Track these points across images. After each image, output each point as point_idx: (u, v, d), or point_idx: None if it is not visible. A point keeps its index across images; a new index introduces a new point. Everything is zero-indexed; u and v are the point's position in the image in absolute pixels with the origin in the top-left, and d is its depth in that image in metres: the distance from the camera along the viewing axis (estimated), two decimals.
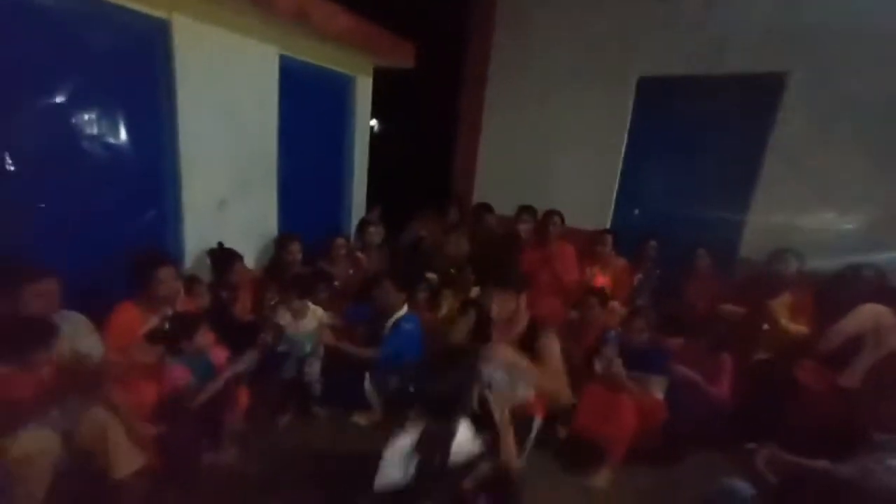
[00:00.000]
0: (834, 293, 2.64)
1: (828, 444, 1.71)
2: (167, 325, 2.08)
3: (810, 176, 3.12)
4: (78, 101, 2.16)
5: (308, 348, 2.51)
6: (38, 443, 1.59)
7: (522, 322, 1.96)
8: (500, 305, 1.89)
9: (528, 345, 1.90)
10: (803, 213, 3.14)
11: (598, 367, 2.49)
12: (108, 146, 2.32)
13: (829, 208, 3.09)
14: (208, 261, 2.78)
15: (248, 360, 2.25)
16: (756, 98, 3.33)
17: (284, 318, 2.50)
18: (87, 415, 1.76)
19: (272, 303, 2.73)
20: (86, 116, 2.20)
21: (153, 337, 2.05)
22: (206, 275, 2.73)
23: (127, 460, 1.77)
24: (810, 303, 2.72)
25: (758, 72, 3.27)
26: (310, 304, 2.56)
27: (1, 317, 1.69)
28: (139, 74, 2.39)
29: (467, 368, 1.54)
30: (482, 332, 2.03)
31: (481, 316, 2.07)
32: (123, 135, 2.36)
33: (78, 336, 1.91)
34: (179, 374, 2.03)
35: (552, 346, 1.87)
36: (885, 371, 1.64)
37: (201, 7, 2.50)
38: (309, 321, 2.53)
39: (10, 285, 1.75)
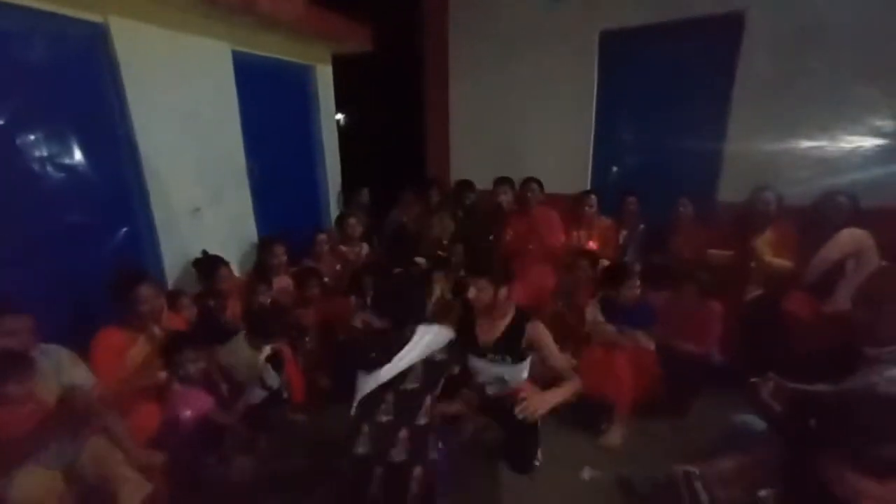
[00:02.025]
0: (813, 223, 2.70)
1: (826, 368, 1.77)
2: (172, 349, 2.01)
3: (778, 109, 3.15)
4: (21, 122, 2.01)
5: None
6: (39, 482, 1.53)
7: (506, 312, 1.97)
8: (476, 292, 1.89)
9: (515, 335, 1.93)
10: (776, 146, 3.18)
11: (587, 322, 2.55)
12: (63, 166, 2.18)
13: (799, 138, 3.13)
14: (194, 271, 2.68)
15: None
16: (718, 39, 3.33)
17: (241, 348, 2.28)
18: (88, 447, 1.70)
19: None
20: (31, 137, 2.06)
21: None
22: (189, 288, 2.64)
23: (133, 489, 1.72)
24: (793, 236, 2.78)
25: (716, 12, 3.26)
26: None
27: None
28: (84, 85, 2.24)
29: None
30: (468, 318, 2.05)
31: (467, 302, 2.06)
32: (77, 152, 2.23)
33: (63, 369, 1.83)
34: (202, 399, 2.00)
35: (542, 332, 1.93)
36: (871, 289, 1.68)
37: (137, 7, 2.34)
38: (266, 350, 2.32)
39: None
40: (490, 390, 2.02)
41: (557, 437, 2.38)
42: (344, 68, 4.10)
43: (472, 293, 1.89)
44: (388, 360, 1.54)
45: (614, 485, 2.02)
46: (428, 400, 1.59)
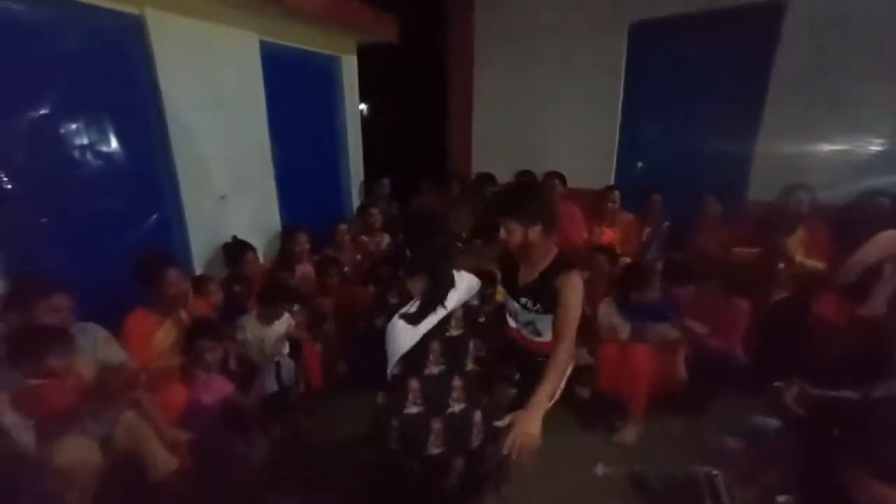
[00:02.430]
0: (850, 223, 2.59)
1: (853, 374, 1.71)
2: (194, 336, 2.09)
3: (817, 103, 3.00)
4: (61, 110, 2.10)
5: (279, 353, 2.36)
6: (79, 451, 1.63)
7: (544, 255, 1.75)
8: (505, 234, 1.70)
9: (546, 282, 1.70)
10: (812, 143, 3.05)
11: (600, 321, 2.52)
12: (99, 153, 2.27)
13: (838, 135, 2.99)
14: (222, 256, 2.78)
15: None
16: (754, 29, 3.19)
17: (251, 326, 2.34)
18: (121, 421, 1.80)
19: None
20: (72, 125, 2.15)
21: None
22: (216, 273, 2.73)
23: (162, 462, 1.82)
24: (826, 236, 2.67)
25: (753, 3, 3.12)
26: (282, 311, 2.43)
27: (15, 329, 1.70)
28: (119, 75, 2.32)
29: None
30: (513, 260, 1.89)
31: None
32: (113, 140, 2.32)
33: (98, 347, 1.93)
34: (223, 386, 2.08)
35: (569, 285, 1.63)
36: None
37: None
38: (278, 327, 2.39)
39: (23, 302, 1.76)
40: (525, 333, 1.89)
41: (572, 433, 2.38)
42: (369, 59, 4.12)
43: (501, 234, 1.72)
44: (440, 303, 1.42)
45: (628, 482, 2.01)
46: (472, 345, 1.51)
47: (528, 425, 1.29)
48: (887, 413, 1.29)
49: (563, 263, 1.73)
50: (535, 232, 1.67)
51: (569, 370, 1.64)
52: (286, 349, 2.37)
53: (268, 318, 2.36)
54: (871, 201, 2.58)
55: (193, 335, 2.07)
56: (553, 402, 1.47)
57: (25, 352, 1.64)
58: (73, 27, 2.12)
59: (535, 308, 1.75)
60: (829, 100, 2.96)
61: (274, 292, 2.44)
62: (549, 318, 1.73)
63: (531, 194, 1.73)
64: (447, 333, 1.45)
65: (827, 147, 3.03)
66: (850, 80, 2.89)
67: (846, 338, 2.27)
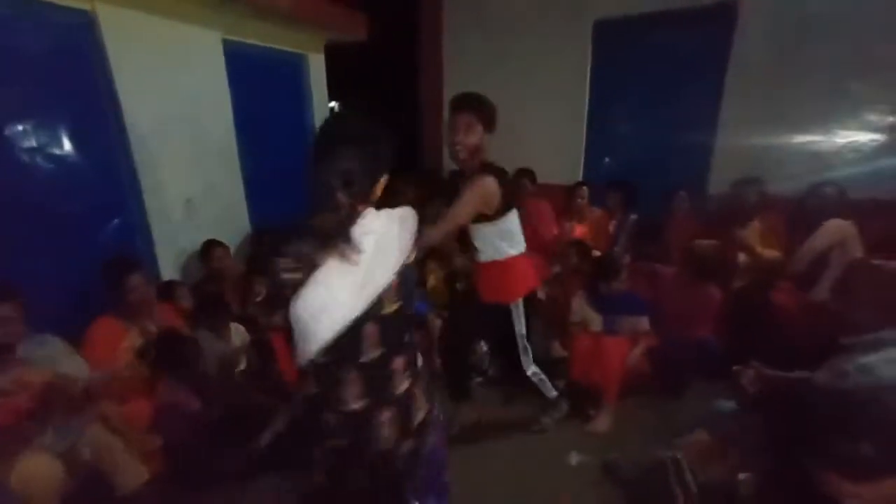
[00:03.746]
0: (802, 214, 2.74)
1: (805, 357, 1.81)
2: (153, 347, 2.02)
3: (771, 101, 3.16)
4: (8, 112, 2.00)
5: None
6: (38, 468, 1.57)
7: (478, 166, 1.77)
8: (464, 131, 1.72)
9: None
10: (768, 139, 3.20)
11: (574, 318, 2.60)
12: (53, 156, 2.17)
13: (796, 127, 3.14)
14: (196, 262, 2.72)
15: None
16: (711, 29, 3.33)
17: (203, 339, 2.22)
18: (86, 433, 1.74)
19: (258, 298, 2.69)
20: (21, 127, 2.05)
21: (143, 356, 2.01)
22: (184, 280, 2.66)
23: (131, 474, 1.77)
24: (780, 227, 2.82)
25: (710, 2, 3.25)
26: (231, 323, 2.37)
27: None
28: (72, 74, 2.22)
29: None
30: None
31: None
32: (67, 142, 2.22)
33: (58, 358, 1.86)
34: (184, 399, 2.00)
35: (467, 187, 1.72)
36: (847, 278, 1.72)
37: None
38: (231, 338, 2.33)
39: None
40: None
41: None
42: (339, 57, 4.06)
43: (457, 134, 1.74)
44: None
45: (601, 469, 2.08)
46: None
47: None
48: (829, 397, 1.36)
49: (485, 169, 1.74)
50: (484, 138, 1.70)
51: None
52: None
53: (217, 331, 2.28)
54: (818, 192, 2.73)
55: (159, 347, 2.00)
56: None
57: None
58: (22, 24, 2.02)
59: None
60: (787, 93, 3.11)
61: (207, 304, 2.35)
62: (479, 228, 1.79)
63: (487, 99, 1.75)
64: (382, 311, 1.06)
65: (785, 140, 3.18)
66: (807, 74, 3.04)
67: (799, 323, 2.41)
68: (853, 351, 1.53)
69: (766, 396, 1.56)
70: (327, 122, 1.17)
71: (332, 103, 4.38)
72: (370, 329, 1.05)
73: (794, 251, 2.62)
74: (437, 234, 1.74)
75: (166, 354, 2.00)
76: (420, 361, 1.22)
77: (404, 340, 1.15)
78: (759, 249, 2.78)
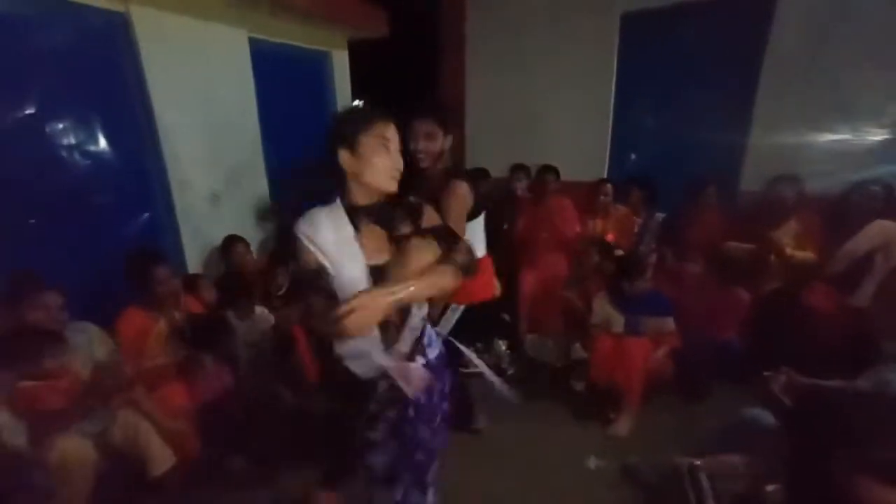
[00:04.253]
0: (842, 214, 2.59)
1: (843, 364, 1.72)
2: (188, 329, 2.10)
3: (808, 93, 2.99)
4: (48, 109, 2.09)
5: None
6: (73, 450, 1.64)
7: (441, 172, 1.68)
8: (426, 141, 1.61)
9: None
10: (805, 133, 3.03)
11: (594, 319, 2.54)
12: (87, 152, 2.26)
13: (832, 124, 2.97)
14: (218, 256, 2.79)
15: None
16: (745, 18, 3.18)
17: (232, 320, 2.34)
18: (119, 419, 1.82)
19: (280, 291, 2.74)
20: (58, 124, 2.14)
21: (180, 337, 2.09)
22: (209, 272, 2.74)
23: (161, 458, 1.83)
24: (817, 227, 2.68)
25: None
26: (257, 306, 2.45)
27: (5, 330, 1.71)
28: (106, 73, 2.30)
29: None
30: None
31: None
32: (101, 138, 2.30)
33: (94, 345, 1.95)
34: (224, 376, 2.09)
35: (446, 195, 1.60)
36: (893, 283, 1.62)
37: None
38: (257, 321, 2.41)
39: (14, 301, 1.77)
40: None
41: (565, 425, 2.40)
42: (361, 54, 4.08)
43: (418, 144, 1.61)
44: None
45: (620, 474, 2.03)
46: None
47: (372, 299, 0.97)
48: (870, 405, 1.29)
49: (450, 174, 1.63)
50: (446, 142, 1.58)
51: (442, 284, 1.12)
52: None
53: (242, 315, 2.37)
54: (863, 191, 2.58)
55: (194, 328, 2.08)
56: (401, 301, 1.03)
57: (18, 354, 1.64)
58: (59, 24, 2.10)
59: None
60: (823, 89, 2.95)
61: (230, 290, 2.44)
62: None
63: (443, 103, 1.65)
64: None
65: (821, 137, 3.01)
66: (844, 69, 2.87)
67: (836, 328, 2.28)
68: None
69: (800, 405, 1.48)
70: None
71: (357, 101, 4.41)
72: None
73: (831, 252, 2.48)
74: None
75: (202, 334, 2.08)
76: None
77: None
78: (790, 251, 2.66)
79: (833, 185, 2.73)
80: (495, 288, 2.05)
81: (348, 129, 1.10)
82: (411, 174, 1.42)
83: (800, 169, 2.88)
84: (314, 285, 1.11)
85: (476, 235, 1.83)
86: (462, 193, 1.60)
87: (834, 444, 1.29)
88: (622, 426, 2.32)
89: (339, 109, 1.17)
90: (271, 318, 2.47)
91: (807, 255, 2.64)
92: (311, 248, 1.09)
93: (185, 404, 2.01)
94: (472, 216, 1.75)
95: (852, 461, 1.22)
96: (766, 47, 3.09)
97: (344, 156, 1.10)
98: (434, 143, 1.55)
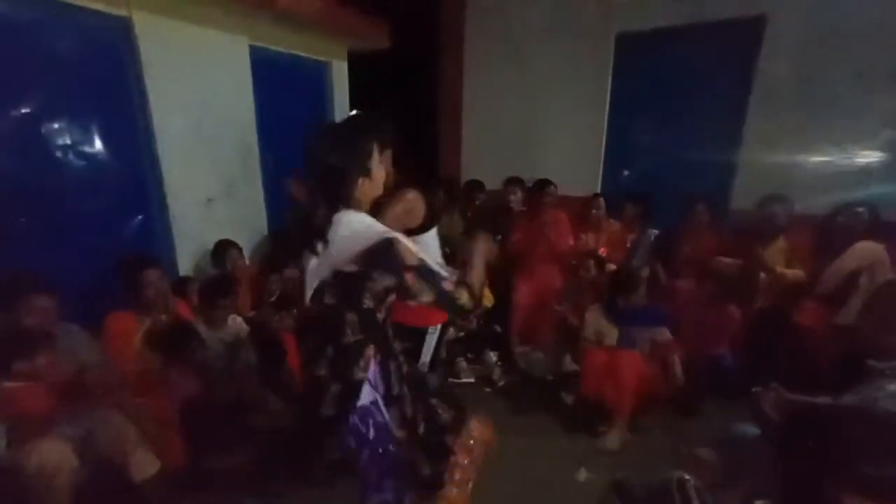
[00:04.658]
0: (829, 233, 2.64)
1: (830, 380, 1.74)
2: (165, 333, 2.07)
3: (796, 116, 3.09)
4: (47, 111, 2.10)
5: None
6: (51, 454, 1.60)
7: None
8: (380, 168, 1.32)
9: None
10: (795, 153, 3.12)
11: (587, 332, 2.55)
12: (84, 154, 2.26)
13: (822, 145, 3.06)
14: (209, 261, 2.76)
15: None
16: (737, 44, 3.28)
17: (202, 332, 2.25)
18: (103, 422, 1.78)
19: (272, 298, 2.73)
20: (56, 125, 2.14)
21: (151, 343, 2.05)
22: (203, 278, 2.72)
23: (145, 463, 1.80)
24: (806, 246, 2.73)
25: (738, 16, 3.21)
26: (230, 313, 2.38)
27: None
28: (106, 77, 2.31)
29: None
30: None
31: None
32: (98, 141, 2.31)
33: (80, 348, 1.92)
34: (188, 384, 2.03)
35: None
36: (879, 301, 1.66)
37: (161, 1, 2.41)
38: (229, 329, 2.34)
39: (5, 302, 1.75)
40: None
41: (555, 437, 2.39)
42: (359, 64, 4.13)
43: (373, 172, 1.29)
44: (309, 242, 1.18)
45: (609, 488, 2.02)
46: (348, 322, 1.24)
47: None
48: (856, 421, 1.31)
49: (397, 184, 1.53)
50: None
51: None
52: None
53: (213, 323, 2.30)
54: (849, 213, 2.64)
55: (161, 334, 2.05)
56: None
57: (4, 356, 1.62)
58: (61, 28, 2.12)
59: None
60: (813, 110, 3.04)
61: (205, 296, 2.36)
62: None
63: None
64: (323, 299, 1.22)
65: (810, 157, 3.10)
66: (834, 90, 2.97)
67: (824, 345, 2.31)
68: (882, 376, 1.47)
69: (789, 422, 1.49)
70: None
71: (353, 111, 4.45)
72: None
73: (820, 271, 2.53)
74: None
75: (166, 341, 2.04)
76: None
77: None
78: (780, 269, 2.70)
79: (821, 205, 2.79)
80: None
81: (364, 162, 1.19)
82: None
83: (789, 188, 2.94)
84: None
85: (434, 248, 1.71)
86: (405, 198, 1.55)
87: (823, 460, 1.31)
88: (613, 440, 2.31)
89: (340, 137, 1.23)
90: (244, 327, 2.40)
91: (796, 273, 2.68)
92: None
93: (166, 409, 1.98)
94: (425, 227, 1.66)
95: (841, 477, 1.23)
96: (756, 68, 3.18)
97: (364, 183, 1.20)
98: (387, 166, 1.42)
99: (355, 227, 1.14)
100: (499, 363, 3.05)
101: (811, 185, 3.01)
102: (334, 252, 1.14)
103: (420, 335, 1.76)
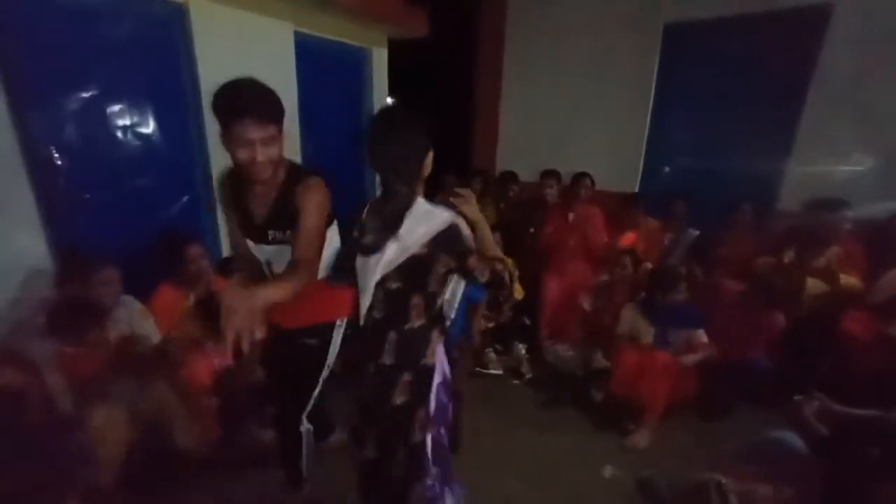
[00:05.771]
0: (885, 241, 2.50)
1: (879, 394, 1.67)
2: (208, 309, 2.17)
3: (858, 115, 2.89)
4: (107, 93, 2.20)
5: None
6: (108, 418, 1.72)
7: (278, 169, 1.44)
8: (262, 145, 1.32)
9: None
10: (850, 155, 2.94)
11: (621, 329, 2.51)
12: (139, 135, 2.37)
13: (879, 149, 2.87)
14: None
15: None
16: (795, 36, 3.09)
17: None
18: (150, 391, 1.89)
19: None
20: (116, 107, 2.25)
21: (196, 317, 2.16)
22: None
23: (187, 431, 1.90)
24: (860, 253, 2.59)
25: (797, 6, 3.02)
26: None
27: (58, 301, 1.80)
28: (162, 60, 2.41)
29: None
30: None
31: None
32: (153, 123, 2.41)
33: (135, 319, 2.04)
34: (218, 358, 2.14)
35: (305, 197, 1.41)
36: None
37: None
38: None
39: (77, 276, 1.89)
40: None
41: (583, 433, 2.39)
42: (398, 52, 4.14)
43: (251, 152, 1.31)
44: (390, 227, 1.23)
45: (635, 485, 2.01)
46: (413, 303, 1.28)
47: (252, 300, 0.98)
48: None
49: (301, 172, 1.44)
50: (282, 138, 1.34)
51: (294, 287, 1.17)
52: None
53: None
54: None
55: (204, 306, 2.15)
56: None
57: (68, 325, 1.74)
58: (122, 13, 2.21)
59: (286, 237, 1.42)
60: (874, 111, 2.84)
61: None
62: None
63: (266, 87, 1.34)
64: (388, 284, 1.25)
65: (867, 161, 2.92)
66: (891, 92, 2.78)
67: (874, 356, 2.20)
68: None
69: (838, 434, 1.44)
70: (377, 115, 1.37)
71: (389, 99, 4.47)
72: (378, 293, 1.29)
73: (873, 280, 2.40)
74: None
75: (208, 312, 2.13)
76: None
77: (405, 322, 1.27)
78: (843, 280, 2.56)
79: (879, 211, 2.64)
80: (348, 308, 1.59)
81: (425, 156, 1.29)
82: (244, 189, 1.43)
83: (844, 192, 2.79)
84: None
85: (335, 241, 1.58)
86: (321, 190, 1.42)
87: (874, 475, 1.26)
88: (640, 439, 2.29)
89: (411, 132, 1.28)
90: None
91: (852, 281, 2.55)
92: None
93: (207, 380, 2.09)
94: (330, 222, 1.53)
95: (890, 490, 1.19)
96: (816, 65, 3.00)
97: (430, 157, 1.30)
98: (273, 147, 1.31)
99: (428, 212, 1.23)
100: (527, 356, 3.05)
101: (869, 189, 2.84)
102: (412, 238, 1.20)
103: (327, 330, 1.62)
